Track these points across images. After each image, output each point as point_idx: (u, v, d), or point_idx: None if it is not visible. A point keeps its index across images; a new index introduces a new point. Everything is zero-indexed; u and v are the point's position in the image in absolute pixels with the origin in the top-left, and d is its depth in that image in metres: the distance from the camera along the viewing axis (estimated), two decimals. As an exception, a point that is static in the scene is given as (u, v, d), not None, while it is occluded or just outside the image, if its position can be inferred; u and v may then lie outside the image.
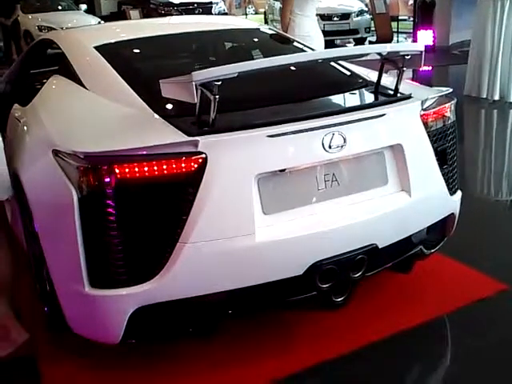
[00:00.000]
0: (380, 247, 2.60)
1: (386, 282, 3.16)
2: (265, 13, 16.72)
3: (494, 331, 2.87)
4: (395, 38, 14.09)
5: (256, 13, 22.21)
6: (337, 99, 2.81)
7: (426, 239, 2.93)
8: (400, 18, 15.26)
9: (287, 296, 2.54)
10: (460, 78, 8.06)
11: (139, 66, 3.17)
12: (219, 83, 2.20)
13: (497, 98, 7.56)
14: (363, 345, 2.74)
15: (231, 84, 2.22)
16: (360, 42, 13.68)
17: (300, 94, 2.78)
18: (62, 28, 13.30)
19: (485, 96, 7.61)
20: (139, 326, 2.39)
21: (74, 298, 2.45)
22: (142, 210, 2.26)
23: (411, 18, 14.84)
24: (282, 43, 3.77)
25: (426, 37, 11.84)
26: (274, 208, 2.41)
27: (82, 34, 3.84)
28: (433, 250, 3.04)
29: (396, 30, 14.32)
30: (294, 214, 2.45)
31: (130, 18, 14.76)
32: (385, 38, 13.65)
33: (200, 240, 2.27)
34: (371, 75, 3.14)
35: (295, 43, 3.77)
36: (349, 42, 14.17)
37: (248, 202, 2.33)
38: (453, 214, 2.99)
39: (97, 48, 3.15)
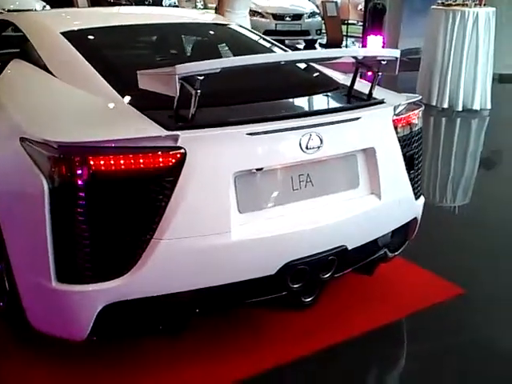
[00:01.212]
0: (349, 249, 2.63)
1: (347, 284, 3.18)
2: (216, 8, 16.62)
3: (449, 335, 2.95)
4: (345, 42, 14.29)
5: (205, 7, 22.03)
6: (313, 100, 2.82)
7: (390, 242, 2.97)
8: (349, 21, 15.49)
9: (258, 295, 2.53)
10: (410, 85, 8.23)
11: (109, 56, 3.08)
12: (201, 78, 2.16)
13: (446, 106, 7.78)
14: (324, 346, 2.76)
15: (210, 79, 2.19)
16: (311, 43, 13.81)
17: (277, 92, 2.77)
18: (3, 9, 12.85)
19: (434, 104, 7.81)
20: (107, 323, 2.32)
21: (38, 293, 2.36)
22: (116, 204, 2.20)
23: (360, 23, 15.12)
24: (248, 39, 3.75)
25: (375, 42, 12.02)
26: (250, 207, 2.39)
27: (47, 18, 3.71)
28: (396, 253, 3.09)
29: (345, 33, 14.52)
30: (268, 214, 2.44)
31: (77, 4, 14.41)
32: (335, 41, 13.86)
33: (175, 237, 2.23)
34: (341, 78, 3.17)
35: (261, 40, 3.75)
36: (298, 43, 14.29)
37: (224, 200, 2.31)
38: (416, 218, 3.06)
39: (64, 34, 3.04)
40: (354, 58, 2.76)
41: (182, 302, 2.37)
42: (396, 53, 2.70)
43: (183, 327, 2.50)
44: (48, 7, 13.83)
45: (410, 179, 2.90)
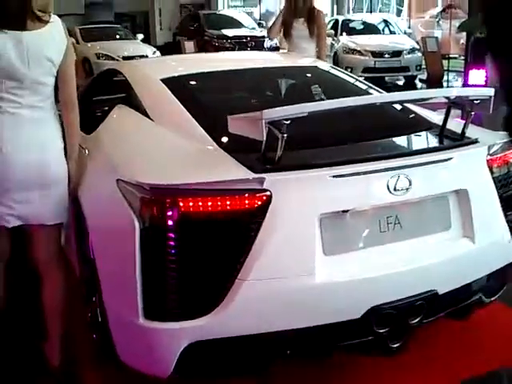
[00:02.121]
0: (440, 294, 2.54)
1: (442, 330, 3.06)
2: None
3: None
4: (445, 77, 13.97)
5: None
6: (402, 141, 2.79)
7: (485, 286, 2.84)
8: (451, 56, 15.16)
9: (343, 339, 2.49)
10: None
11: (204, 101, 3.21)
12: (288, 122, 2.21)
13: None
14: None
15: (296, 122, 2.23)
16: (410, 79, 13.61)
17: (364, 134, 2.76)
18: (118, 56, 13.71)
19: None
20: (191, 362, 2.36)
21: (127, 328, 2.45)
22: (203, 245, 2.26)
23: (462, 57, 14.75)
24: (341, 81, 3.77)
25: (478, 77, 11.68)
26: (335, 249, 2.38)
27: (149, 66, 3.93)
28: (492, 298, 2.95)
29: (447, 68, 14.20)
30: (354, 256, 2.42)
31: (185, 49, 15.09)
32: (435, 76, 13.56)
33: (259, 278, 2.26)
34: (434, 117, 3.11)
35: (353, 80, 3.77)
36: (398, 79, 14.13)
37: (309, 242, 2.31)
38: (513, 261, 2.91)
39: (163, 80, 3.20)
40: (447, 98, 2.71)
41: (265, 344, 2.37)
42: (490, 92, 2.62)
43: (265, 369, 2.49)
44: (158, 53, 14.64)
45: (508, 221, 2.78)
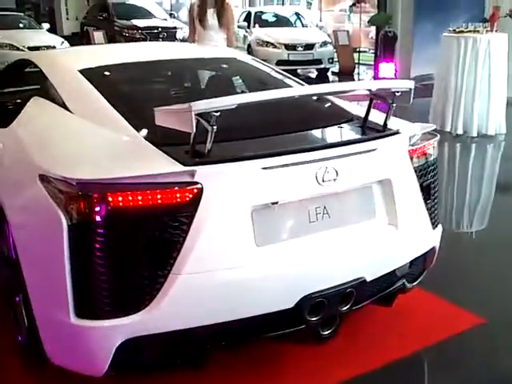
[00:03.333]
0: (368, 280, 2.61)
1: (366, 316, 3.15)
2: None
3: (470, 366, 2.92)
4: (357, 70, 14.36)
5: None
6: (328, 132, 2.83)
7: (408, 273, 2.95)
8: (361, 49, 15.58)
9: (277, 329, 2.51)
10: (423, 111, 8.23)
11: (126, 92, 3.13)
12: (217, 114, 2.19)
13: (460, 132, 7.76)
14: (346, 378, 2.74)
15: (223, 114, 2.22)
16: (323, 71, 13.88)
17: (290, 125, 2.78)
18: (23, 46, 13.14)
19: (448, 129, 7.79)
20: (126, 358, 2.32)
21: (57, 328, 2.37)
22: (134, 240, 2.21)
23: (372, 50, 15.20)
24: (261, 72, 3.78)
25: (387, 69, 12.09)
26: (267, 240, 2.39)
27: (64, 56, 3.79)
28: (414, 284, 3.06)
29: (357, 61, 14.60)
30: (286, 247, 2.44)
31: (94, 40, 14.69)
32: (347, 69, 13.93)
33: (193, 272, 2.24)
34: (355, 109, 3.18)
35: (272, 72, 3.79)
36: (310, 72, 14.37)
37: (241, 234, 2.32)
38: (434, 247, 3.04)
39: (81, 71, 3.10)
40: (368, 90, 2.78)
41: (201, 337, 2.36)
42: (410, 84, 2.71)
43: (201, 361, 2.48)
44: (66, 43, 14.15)
45: (427, 209, 2.89)
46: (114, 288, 2.22)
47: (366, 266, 2.62)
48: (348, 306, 2.59)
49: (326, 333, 2.61)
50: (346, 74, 13.61)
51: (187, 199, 2.22)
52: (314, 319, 2.50)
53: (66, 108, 2.87)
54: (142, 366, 2.44)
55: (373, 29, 14.38)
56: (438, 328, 3.19)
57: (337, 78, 13.70)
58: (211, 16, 6.61)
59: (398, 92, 2.69)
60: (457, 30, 7.98)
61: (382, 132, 2.76)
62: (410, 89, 2.71)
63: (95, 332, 2.25)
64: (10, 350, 2.89)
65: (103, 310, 2.23)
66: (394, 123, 2.86)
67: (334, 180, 2.47)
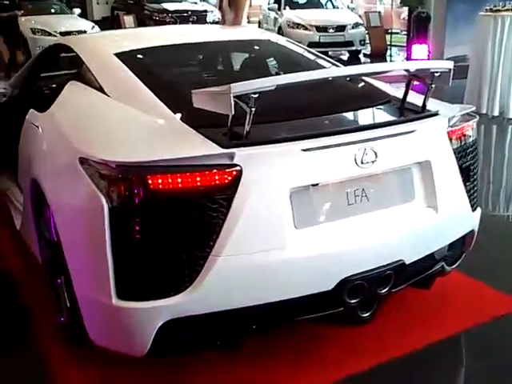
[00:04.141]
0: (407, 263, 2.59)
1: (406, 298, 3.13)
2: (259, 22, 16.77)
3: (509, 350, 2.89)
4: (388, 51, 14.18)
5: (248, 21, 22.17)
6: (366, 114, 2.80)
7: (447, 255, 2.92)
8: (393, 31, 15.37)
9: (315, 311, 2.51)
10: (457, 93, 8.09)
11: (162, 75, 3.13)
12: (256, 96, 2.18)
13: (496, 113, 7.63)
14: (386, 360, 2.74)
15: (262, 95, 2.20)
16: (355, 54, 13.74)
17: (329, 107, 2.76)
18: (55, 31, 13.26)
19: (484, 111, 7.66)
20: (166, 340, 2.34)
21: (98, 310, 2.40)
22: (174, 222, 2.22)
23: (404, 32, 14.98)
24: (294, 53, 3.75)
25: (420, 51, 11.92)
26: (306, 222, 2.39)
27: (100, 40, 3.80)
28: (453, 267, 3.03)
29: (389, 43, 14.41)
30: (324, 229, 2.43)
31: (124, 24, 14.73)
32: (379, 51, 13.77)
33: (232, 253, 2.24)
34: (391, 90, 3.14)
35: (306, 53, 3.76)
36: (341, 54, 14.24)
37: (281, 216, 2.31)
38: (473, 230, 3.00)
39: (117, 55, 3.11)
40: (407, 70, 2.74)
41: (240, 318, 2.38)
42: (450, 64, 2.66)
43: (240, 342, 2.50)
44: (97, 28, 14.23)
45: (467, 191, 2.85)
46: (155, 270, 2.24)
47: (405, 249, 2.60)
48: (387, 289, 2.58)
49: (365, 315, 2.60)
50: (377, 56, 13.46)
51: (226, 181, 2.22)
52: (352, 301, 2.49)
53: (103, 91, 2.89)
54: (181, 348, 2.46)
55: (405, 10, 14.18)
56: (476, 312, 3.15)
57: (368, 60, 13.55)
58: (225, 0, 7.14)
59: (437, 73, 2.64)
60: (493, 8, 7.81)
61: (421, 113, 2.73)
62: (450, 69, 2.66)
63: (137, 313, 2.27)
64: (51, 331, 2.95)
65: (144, 292, 2.25)
66: (432, 104, 2.82)
67: (373, 162, 2.45)
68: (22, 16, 13.71)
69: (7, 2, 10.99)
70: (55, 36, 12.48)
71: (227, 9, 7.26)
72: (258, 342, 2.69)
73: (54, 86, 3.90)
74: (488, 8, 7.91)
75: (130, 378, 2.64)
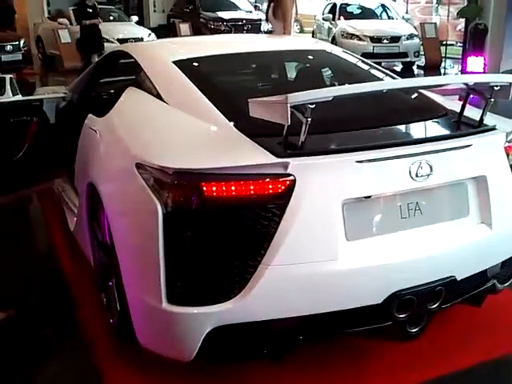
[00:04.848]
0: (458, 279, 2.55)
1: (457, 314, 3.08)
2: (313, 32, 16.79)
3: None
4: (443, 63, 13.98)
5: (301, 31, 22.24)
6: (422, 127, 2.78)
7: (499, 273, 2.86)
8: (448, 42, 15.16)
9: (363, 324, 2.49)
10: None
11: (218, 83, 3.18)
12: (312, 106, 2.19)
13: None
14: (438, 376, 2.70)
15: (318, 106, 2.21)
16: (408, 65, 13.59)
17: (384, 119, 2.75)
18: (113, 38, 13.56)
19: (542, 127, 7.47)
20: (214, 346, 2.36)
21: (148, 313, 2.44)
22: (227, 229, 2.25)
23: (459, 44, 14.75)
24: (350, 64, 3.75)
25: (476, 63, 11.70)
26: (357, 234, 2.38)
27: (158, 48, 3.89)
28: (505, 285, 2.96)
29: (444, 54, 14.20)
30: (376, 242, 2.42)
31: (180, 32, 14.96)
32: (433, 63, 13.59)
33: (283, 263, 2.25)
34: (448, 103, 3.11)
35: (361, 63, 3.75)
36: (395, 65, 14.11)
37: (332, 228, 2.31)
38: (528, 248, 2.92)
39: (175, 63, 3.17)
40: (465, 84, 2.70)
41: (288, 328, 2.38)
42: (510, 78, 2.61)
43: (287, 352, 2.50)
44: (153, 35, 14.50)
45: (522, 208, 2.79)
46: (205, 276, 2.27)
47: (457, 265, 2.56)
48: (437, 305, 2.54)
49: (414, 330, 2.56)
50: (431, 68, 13.29)
51: (280, 191, 2.23)
52: (401, 316, 2.46)
53: (161, 98, 2.95)
54: (228, 355, 2.48)
55: (461, 21, 13.96)
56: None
57: (422, 72, 13.38)
58: (270, 8, 7.33)
59: (496, 86, 2.60)
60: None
61: (478, 127, 2.69)
62: (510, 83, 2.61)
63: (186, 318, 2.30)
64: (102, 332, 3.01)
65: (194, 297, 2.28)
66: (490, 119, 2.78)
67: (428, 175, 2.42)
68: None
69: (91, 11, 11.62)
70: (113, 43, 12.77)
71: (272, 18, 7.35)
72: (298, 354, 2.67)
73: (113, 91, 4.00)
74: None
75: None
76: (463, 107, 2.77)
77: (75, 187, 3.79)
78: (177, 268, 2.28)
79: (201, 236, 2.24)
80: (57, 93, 4.65)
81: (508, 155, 2.73)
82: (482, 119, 2.71)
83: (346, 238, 2.34)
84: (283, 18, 7.19)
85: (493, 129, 2.71)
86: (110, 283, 2.85)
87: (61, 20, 14.26)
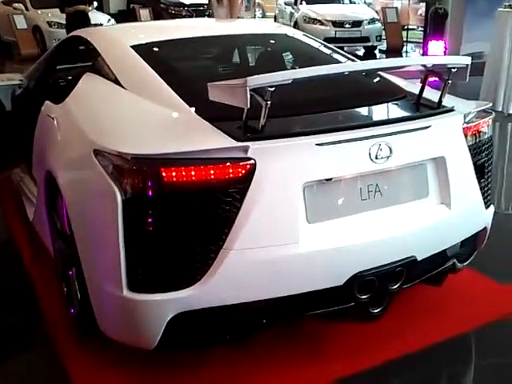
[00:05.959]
0: (418, 260, 2.58)
1: (415, 295, 3.12)
2: (275, 17, 16.74)
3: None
4: (405, 48, 14.10)
5: (263, 16, 22.16)
6: (381, 109, 2.79)
7: (459, 252, 2.90)
8: (410, 27, 15.28)
9: (326, 306, 2.51)
10: (473, 90, 8.00)
11: (177, 68, 3.14)
12: (272, 89, 2.18)
13: (512, 111, 7.58)
14: (393, 357, 2.72)
15: (277, 89, 2.20)
16: (370, 49, 13.67)
17: (344, 101, 2.76)
18: (69, 24, 13.26)
19: (500, 109, 7.60)
20: (176, 333, 2.35)
21: (109, 301, 2.42)
22: (187, 215, 2.23)
23: (420, 28, 14.89)
24: (311, 47, 3.74)
25: (437, 47, 11.82)
26: (318, 217, 2.38)
27: (116, 33, 3.82)
28: (465, 264, 3.02)
29: (406, 39, 14.32)
30: (337, 224, 2.43)
31: (140, 17, 14.76)
32: (395, 47, 13.70)
33: (244, 247, 2.25)
34: (407, 85, 3.13)
35: (322, 47, 3.75)
36: (357, 50, 14.17)
37: (293, 211, 2.31)
38: (485, 227, 2.98)
39: (133, 47, 3.12)
40: (423, 66, 2.72)
41: (250, 312, 2.37)
42: (467, 60, 2.64)
43: (249, 337, 2.50)
44: (113, 21, 14.25)
45: (480, 188, 2.83)
46: (166, 262, 2.25)
47: (417, 245, 2.59)
48: (398, 285, 2.57)
49: (376, 311, 2.59)
50: (393, 52, 13.39)
51: (240, 175, 2.22)
52: (363, 297, 2.48)
53: (119, 84, 2.90)
54: (191, 341, 2.47)
55: (422, 5, 14.08)
56: (487, 309, 3.14)
57: (384, 56, 13.48)
58: None
59: (454, 68, 2.62)
60: (513, 5, 7.75)
61: (437, 109, 2.71)
62: (467, 65, 2.64)
63: (147, 305, 2.28)
64: (61, 323, 2.97)
65: (155, 284, 2.26)
66: (448, 100, 2.80)
67: (388, 157, 2.44)
68: (38, 9, 13.81)
69: None
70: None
71: (215, 4, 7.27)
72: (261, 338, 2.66)
73: (70, 78, 3.91)
74: (507, 4, 7.84)
75: (137, 370, 2.64)
76: (422, 89, 2.79)
77: (33, 176, 3.71)
78: (137, 255, 2.25)
79: (161, 222, 2.21)
80: (12, 80, 4.53)
81: (466, 136, 2.76)
82: (440, 101, 2.74)
83: (307, 221, 2.34)
84: (228, 2, 7.14)
85: (451, 110, 2.74)
86: (71, 272, 2.80)
87: (16, 5, 13.88)
